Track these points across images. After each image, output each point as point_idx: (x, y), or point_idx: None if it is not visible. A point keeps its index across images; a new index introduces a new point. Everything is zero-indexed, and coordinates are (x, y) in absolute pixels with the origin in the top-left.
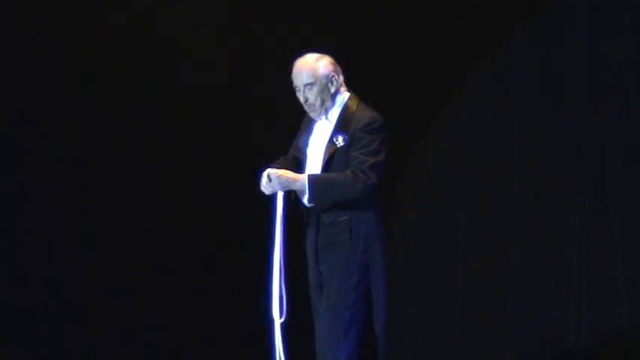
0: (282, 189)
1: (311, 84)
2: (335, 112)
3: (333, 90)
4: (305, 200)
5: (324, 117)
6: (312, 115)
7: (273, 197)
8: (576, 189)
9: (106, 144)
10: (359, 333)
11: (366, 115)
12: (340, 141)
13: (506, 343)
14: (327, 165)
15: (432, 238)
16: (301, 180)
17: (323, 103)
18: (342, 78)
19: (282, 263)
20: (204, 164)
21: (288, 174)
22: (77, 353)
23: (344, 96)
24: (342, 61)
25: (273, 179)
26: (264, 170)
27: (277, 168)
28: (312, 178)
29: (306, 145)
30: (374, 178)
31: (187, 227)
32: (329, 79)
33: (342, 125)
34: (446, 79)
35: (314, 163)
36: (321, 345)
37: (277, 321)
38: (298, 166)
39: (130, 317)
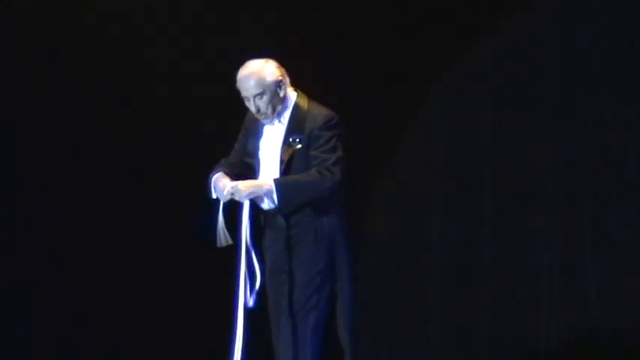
0: (248, 198)
1: (261, 93)
2: (286, 114)
3: (282, 94)
4: (267, 204)
5: (277, 121)
6: (264, 121)
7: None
8: (547, 190)
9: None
10: (325, 334)
11: (320, 113)
12: (297, 142)
13: (480, 342)
14: (287, 167)
15: (405, 238)
16: (267, 185)
17: (274, 109)
18: (288, 79)
19: (248, 270)
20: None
21: (252, 182)
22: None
23: (292, 97)
24: (313, 62)
25: (237, 190)
26: (212, 176)
27: (222, 173)
28: (279, 182)
29: (257, 148)
30: (339, 175)
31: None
32: (277, 85)
33: (296, 126)
34: (421, 81)
35: (269, 166)
36: (285, 348)
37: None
38: (248, 170)
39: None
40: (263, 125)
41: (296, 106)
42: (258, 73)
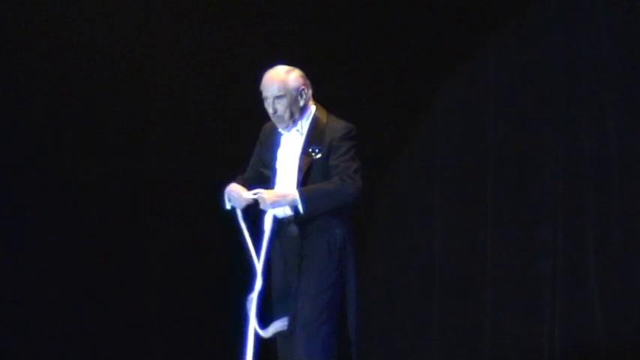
0: (272, 207)
1: (281, 96)
2: (305, 125)
3: (302, 103)
4: (282, 213)
5: (294, 129)
6: (279, 126)
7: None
8: (550, 199)
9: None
10: (334, 346)
11: (340, 124)
12: (316, 152)
13: (482, 351)
14: (305, 177)
15: (408, 247)
16: (291, 195)
17: (292, 115)
18: (310, 92)
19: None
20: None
21: (276, 192)
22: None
23: (312, 109)
24: (314, 72)
25: (261, 199)
26: (225, 187)
27: (235, 183)
28: (303, 192)
29: (274, 159)
30: (360, 182)
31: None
32: (299, 92)
33: (316, 137)
34: (422, 90)
35: (287, 176)
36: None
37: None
38: (263, 181)
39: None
40: (281, 135)
41: (315, 118)
42: (283, 76)
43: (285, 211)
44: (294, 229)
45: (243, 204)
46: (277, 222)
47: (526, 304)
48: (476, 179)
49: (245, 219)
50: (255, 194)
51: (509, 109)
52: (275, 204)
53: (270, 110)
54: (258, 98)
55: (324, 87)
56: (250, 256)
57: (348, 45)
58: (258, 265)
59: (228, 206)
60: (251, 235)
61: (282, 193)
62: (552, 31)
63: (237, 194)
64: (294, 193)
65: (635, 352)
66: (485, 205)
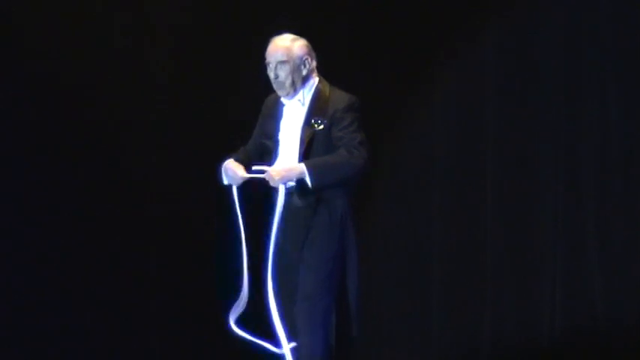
0: (281, 182)
1: (284, 62)
2: (307, 96)
3: (304, 72)
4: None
5: (295, 99)
6: (280, 93)
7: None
8: (550, 176)
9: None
10: (334, 319)
11: (343, 96)
12: (319, 124)
13: (482, 331)
14: (307, 149)
15: (407, 223)
16: (298, 169)
17: (293, 83)
18: (315, 63)
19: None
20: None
21: (284, 167)
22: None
23: (315, 80)
24: (315, 46)
25: (270, 177)
26: (223, 162)
27: (232, 160)
28: (311, 165)
29: (276, 130)
30: (366, 154)
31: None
32: (302, 61)
33: (318, 108)
34: (420, 71)
35: (289, 147)
36: (298, 332)
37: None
38: (265, 153)
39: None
40: (283, 107)
41: (318, 90)
42: (288, 43)
43: (289, 183)
44: (296, 201)
45: (239, 182)
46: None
47: (526, 284)
48: (475, 157)
49: (240, 196)
50: (261, 171)
51: (509, 90)
52: (283, 179)
53: (271, 75)
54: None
55: (323, 65)
56: (240, 234)
57: (347, 27)
58: (245, 250)
59: (225, 182)
60: (243, 214)
61: (290, 168)
62: (552, 13)
63: (232, 172)
64: (301, 167)
65: (635, 334)
66: (484, 183)
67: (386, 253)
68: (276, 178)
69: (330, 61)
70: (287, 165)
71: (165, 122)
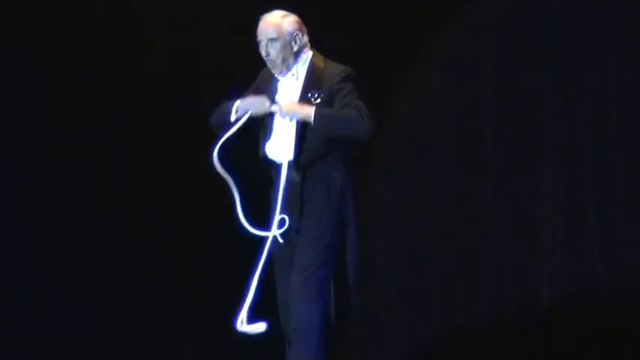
0: (288, 116)
1: (274, 39)
2: (301, 70)
3: (296, 48)
4: (278, 154)
5: (289, 74)
6: (273, 70)
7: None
8: (550, 143)
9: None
10: (331, 291)
11: (337, 68)
12: (316, 97)
13: (481, 295)
14: (303, 123)
15: (405, 193)
16: (307, 110)
17: (284, 60)
18: (306, 38)
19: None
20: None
21: (294, 103)
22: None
23: (308, 54)
24: (312, 19)
25: (279, 107)
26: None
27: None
28: (318, 110)
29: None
30: (373, 124)
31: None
32: (292, 37)
33: (314, 82)
34: (418, 35)
35: (285, 122)
36: (287, 305)
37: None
38: (257, 126)
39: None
40: (278, 82)
41: (312, 64)
42: (278, 20)
43: (287, 156)
44: (294, 175)
45: (259, 108)
46: (276, 167)
47: (525, 248)
48: (474, 125)
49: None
50: (275, 103)
51: (508, 54)
52: (291, 114)
53: (263, 53)
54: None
55: (319, 33)
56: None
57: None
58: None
59: (232, 117)
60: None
61: (300, 105)
62: None
63: (254, 99)
64: (311, 108)
65: (633, 296)
66: (484, 149)
67: (385, 225)
68: (285, 109)
69: (327, 37)
70: (300, 105)
71: (163, 119)
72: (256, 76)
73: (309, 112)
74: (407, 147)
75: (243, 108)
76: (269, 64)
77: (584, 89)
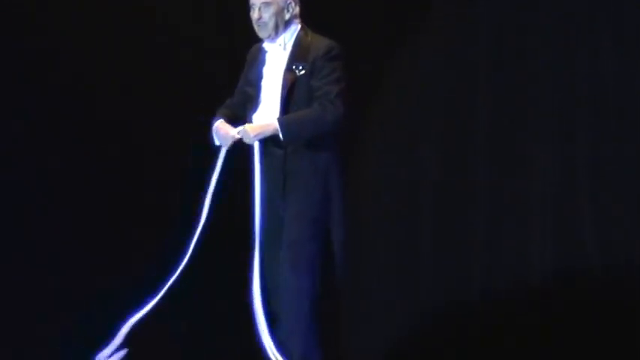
0: (256, 139)
1: (268, 3)
2: (288, 42)
3: (287, 17)
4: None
5: (276, 44)
6: (261, 34)
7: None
8: (542, 120)
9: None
10: (320, 266)
11: (323, 42)
12: (300, 69)
13: (471, 273)
14: (288, 94)
15: (397, 169)
16: (272, 126)
17: (276, 25)
18: (298, 9)
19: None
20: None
21: (258, 124)
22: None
23: (297, 27)
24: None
25: (245, 133)
26: (214, 123)
27: (222, 120)
28: (283, 122)
29: (259, 76)
30: (341, 108)
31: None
32: (286, 4)
33: (300, 54)
34: (411, 13)
35: (271, 93)
36: (276, 282)
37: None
38: (246, 102)
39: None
40: (266, 53)
41: (299, 36)
42: None
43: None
44: (277, 150)
45: (230, 142)
46: (260, 142)
47: (517, 226)
48: (467, 102)
49: (228, 159)
50: (239, 132)
51: (501, 32)
52: (258, 136)
53: (255, 16)
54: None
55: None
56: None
57: None
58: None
59: (217, 142)
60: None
61: (264, 124)
62: None
63: (224, 132)
64: (274, 123)
65: (625, 275)
66: (476, 129)
67: (375, 200)
68: (251, 134)
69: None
70: (262, 123)
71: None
72: (244, 64)
73: (274, 126)
74: (398, 128)
75: (218, 140)
76: (259, 28)
77: (579, 70)
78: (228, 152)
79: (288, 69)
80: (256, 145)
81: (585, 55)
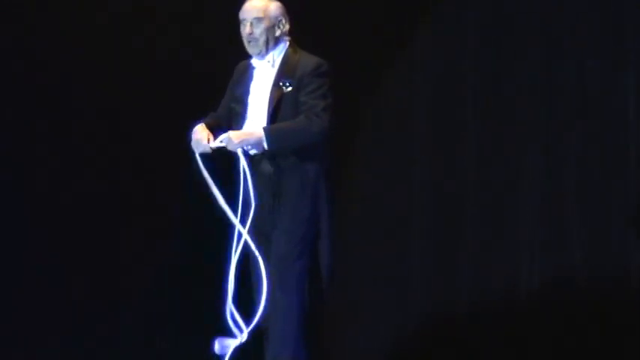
0: (239, 147)
1: (260, 19)
2: (277, 58)
3: (278, 33)
4: (254, 150)
5: (265, 60)
6: (252, 51)
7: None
8: (531, 133)
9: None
10: (308, 282)
11: (312, 60)
12: (287, 86)
13: (459, 285)
14: (274, 111)
15: (385, 182)
16: (257, 134)
17: (267, 41)
18: (288, 26)
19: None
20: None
21: (243, 131)
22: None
23: (286, 44)
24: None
25: (228, 141)
26: (194, 126)
27: (203, 125)
28: (268, 130)
29: (246, 92)
30: (327, 121)
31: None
32: (277, 21)
33: (287, 70)
34: (398, 29)
35: (257, 109)
36: (273, 296)
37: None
38: (233, 116)
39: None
40: (253, 70)
41: (287, 53)
42: (266, 2)
43: (256, 150)
44: (267, 167)
45: (202, 150)
46: (249, 159)
47: (504, 239)
48: (456, 115)
49: (205, 163)
50: (221, 141)
51: (488, 48)
52: (242, 143)
53: (246, 32)
54: None
55: (299, 24)
56: (216, 199)
57: None
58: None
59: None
60: (213, 177)
61: (249, 132)
62: None
63: (198, 139)
64: (260, 132)
65: (612, 287)
66: (464, 137)
67: (363, 214)
68: (235, 141)
69: (307, 27)
70: (247, 130)
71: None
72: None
73: (259, 134)
74: (387, 140)
75: (193, 145)
76: (249, 44)
77: (567, 78)
78: (202, 158)
79: (276, 85)
80: (240, 152)
81: (571, 69)
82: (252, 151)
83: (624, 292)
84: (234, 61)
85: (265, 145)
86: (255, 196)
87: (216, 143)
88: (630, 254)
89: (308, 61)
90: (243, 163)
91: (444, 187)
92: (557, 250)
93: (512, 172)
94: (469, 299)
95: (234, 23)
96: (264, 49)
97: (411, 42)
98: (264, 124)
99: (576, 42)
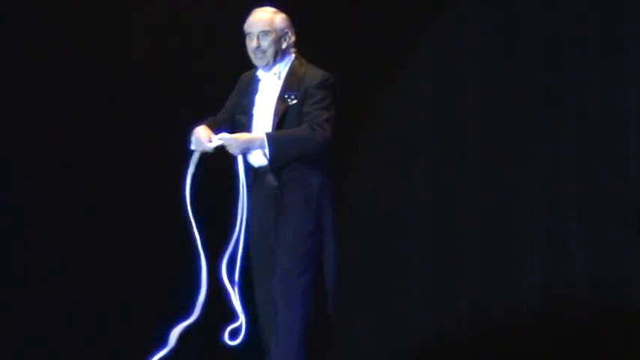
0: (241, 152)
1: (267, 32)
2: (283, 70)
3: (284, 46)
4: (257, 161)
5: (271, 72)
6: (259, 63)
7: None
8: (532, 148)
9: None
10: (312, 297)
11: (317, 73)
12: (292, 98)
13: (461, 298)
14: (279, 123)
15: (387, 195)
16: (259, 139)
17: (275, 53)
18: (294, 38)
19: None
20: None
21: (245, 135)
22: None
23: (292, 56)
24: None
25: (229, 144)
26: (195, 127)
27: (205, 126)
28: (271, 136)
29: (251, 104)
30: (329, 132)
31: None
32: (284, 33)
33: (293, 83)
34: (401, 43)
35: (262, 121)
36: (268, 314)
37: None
38: (238, 127)
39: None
40: (259, 82)
41: (293, 65)
42: (271, 15)
43: (261, 160)
44: (270, 180)
45: (201, 149)
46: (253, 172)
47: (506, 253)
48: (457, 130)
49: (199, 164)
50: (221, 139)
51: (490, 60)
52: (243, 147)
53: (253, 45)
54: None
55: (302, 39)
56: (185, 202)
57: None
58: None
59: (192, 147)
60: (193, 180)
61: (251, 137)
62: None
63: (200, 140)
64: (262, 137)
65: (614, 302)
66: (466, 154)
67: (367, 230)
68: (236, 145)
69: (310, 38)
70: (249, 134)
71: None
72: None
73: (262, 140)
74: (389, 152)
75: (194, 144)
76: (257, 57)
77: (568, 91)
78: (201, 157)
79: (281, 98)
80: (240, 159)
81: (573, 81)
82: (255, 162)
83: (626, 306)
84: (234, 61)
85: (266, 151)
86: (247, 203)
87: (217, 142)
88: (632, 268)
89: (314, 74)
90: (240, 168)
91: (444, 188)
92: (559, 266)
93: (513, 187)
94: (470, 313)
95: (234, 25)
96: (271, 61)
97: (411, 42)
98: None
99: (577, 42)
